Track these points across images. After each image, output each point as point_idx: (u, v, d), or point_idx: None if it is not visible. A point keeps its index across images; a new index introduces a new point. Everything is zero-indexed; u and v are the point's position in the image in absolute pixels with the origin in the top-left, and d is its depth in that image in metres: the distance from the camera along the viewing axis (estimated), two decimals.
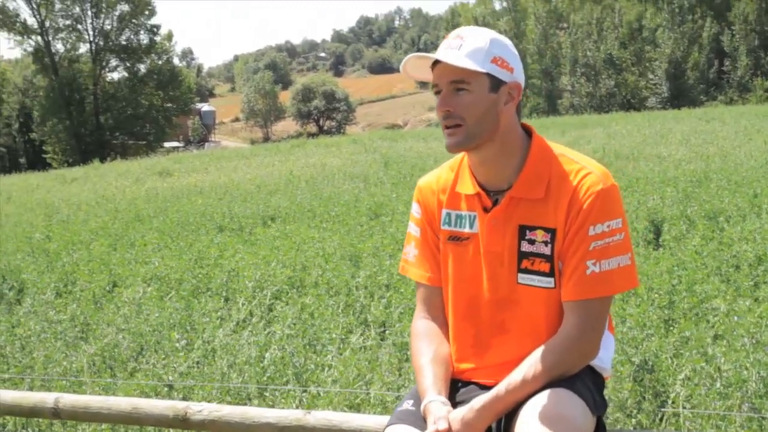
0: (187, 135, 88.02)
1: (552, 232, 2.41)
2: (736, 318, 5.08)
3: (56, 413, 3.17)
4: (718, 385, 4.31)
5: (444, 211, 2.62)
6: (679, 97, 58.39)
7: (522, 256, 2.45)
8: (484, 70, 2.36)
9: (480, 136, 2.40)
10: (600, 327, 2.38)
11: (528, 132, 2.54)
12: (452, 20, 75.24)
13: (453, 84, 2.39)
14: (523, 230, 2.44)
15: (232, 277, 8.06)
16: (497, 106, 2.41)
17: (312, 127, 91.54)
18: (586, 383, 2.38)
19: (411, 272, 2.70)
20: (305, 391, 4.97)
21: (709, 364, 4.51)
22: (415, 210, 2.71)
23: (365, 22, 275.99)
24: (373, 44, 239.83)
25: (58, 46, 65.46)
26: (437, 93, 2.44)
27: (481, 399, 2.32)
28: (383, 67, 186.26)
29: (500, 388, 2.33)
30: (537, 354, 2.36)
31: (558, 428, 2.15)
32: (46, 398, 3.22)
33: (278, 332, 6.00)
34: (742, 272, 6.79)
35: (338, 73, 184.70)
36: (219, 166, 26.35)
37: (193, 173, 24.75)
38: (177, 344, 5.83)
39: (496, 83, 2.39)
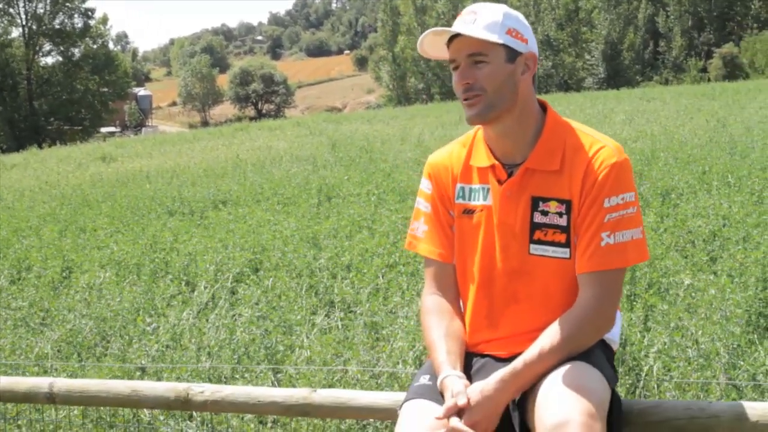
0: (124, 120, 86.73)
1: (567, 203, 2.44)
2: (713, 291, 5.19)
3: (51, 398, 3.11)
4: (691, 356, 4.41)
5: (458, 186, 2.64)
6: (616, 77, 59.09)
7: (534, 227, 2.48)
8: (500, 41, 2.41)
9: (499, 106, 2.44)
10: (616, 299, 2.42)
11: (543, 107, 2.58)
12: (390, 2, 74.83)
13: (471, 57, 2.43)
14: (536, 201, 2.48)
15: (191, 260, 8.01)
16: (515, 76, 2.45)
17: (250, 111, 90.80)
18: (598, 355, 2.41)
19: (420, 248, 2.70)
20: (279, 372, 4.98)
21: (685, 338, 4.60)
22: (426, 186, 2.71)
23: (302, 5, 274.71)
24: (310, 27, 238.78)
25: None
26: (455, 69, 2.47)
27: (500, 372, 2.33)
28: (321, 50, 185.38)
29: (518, 363, 2.34)
30: (553, 327, 2.38)
31: (580, 400, 2.16)
32: (41, 383, 3.16)
33: (244, 315, 5.99)
34: (698, 247, 6.93)
35: (276, 57, 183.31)
36: (162, 151, 26.07)
37: (137, 158, 24.45)
38: (148, 327, 5.79)
39: (512, 54, 2.45)
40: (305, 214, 10.28)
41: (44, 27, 65.11)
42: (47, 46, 66.87)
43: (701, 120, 18.42)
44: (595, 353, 2.40)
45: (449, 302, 2.64)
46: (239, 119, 64.03)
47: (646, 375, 4.46)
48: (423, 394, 2.46)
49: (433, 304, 2.64)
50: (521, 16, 2.51)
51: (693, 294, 5.44)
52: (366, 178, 12.62)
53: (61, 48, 66.42)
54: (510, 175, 2.52)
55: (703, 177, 9.94)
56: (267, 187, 13.09)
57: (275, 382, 4.91)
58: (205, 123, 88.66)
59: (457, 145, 2.71)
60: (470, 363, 2.55)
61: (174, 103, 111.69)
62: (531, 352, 2.34)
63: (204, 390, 2.89)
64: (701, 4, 62.78)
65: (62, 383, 3.13)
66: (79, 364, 5.39)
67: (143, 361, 5.25)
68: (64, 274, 8.24)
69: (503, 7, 2.48)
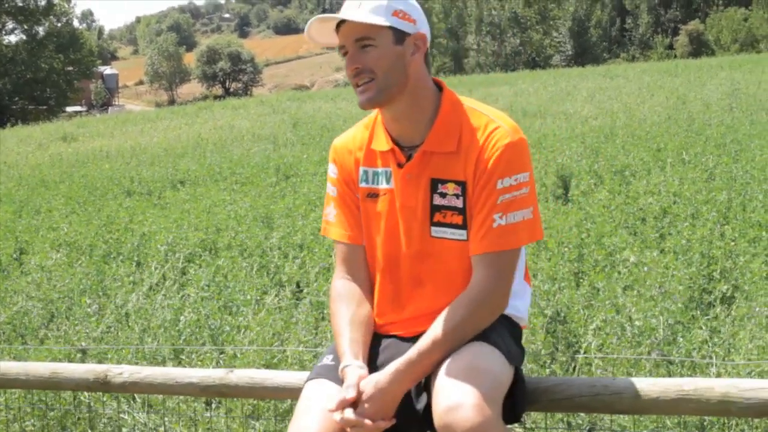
0: (90, 99, 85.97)
1: (462, 185, 2.43)
2: (646, 269, 5.22)
3: None
4: (628, 333, 4.44)
5: (361, 169, 2.62)
6: (583, 54, 59.23)
7: (434, 209, 2.47)
8: (387, 24, 2.39)
9: (390, 88, 2.43)
10: (509, 279, 2.42)
11: (439, 87, 2.57)
12: None
13: (359, 42, 2.42)
14: (435, 183, 2.47)
15: (144, 241, 7.97)
16: (404, 57, 2.43)
17: (218, 90, 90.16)
18: (501, 334, 2.41)
19: (331, 232, 2.69)
20: (222, 352, 4.96)
21: (620, 314, 4.63)
22: (332, 170, 2.70)
23: None
24: (278, 4, 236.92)
25: None
26: (345, 54, 2.47)
27: (395, 364, 2.31)
28: (289, 28, 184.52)
29: (412, 353, 2.31)
30: (447, 313, 2.36)
31: (475, 382, 2.16)
32: None
33: (192, 295, 5.96)
34: (648, 224, 6.98)
35: (243, 34, 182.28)
36: (124, 130, 25.92)
37: (98, 138, 24.29)
38: (89, 309, 5.76)
39: (400, 36, 2.42)
40: (262, 193, 10.26)
41: (6, 4, 64.18)
42: (10, 24, 65.94)
43: (662, 97, 18.53)
44: (497, 331, 2.40)
45: (359, 285, 2.62)
46: (206, 98, 63.66)
47: (585, 352, 4.49)
48: (325, 374, 2.46)
49: (342, 289, 2.62)
50: None
51: (637, 271, 5.48)
52: (324, 156, 12.60)
53: (25, 26, 65.49)
54: (409, 158, 2.51)
55: (658, 154, 10.02)
56: (226, 166, 13.08)
57: (219, 363, 4.90)
58: (172, 101, 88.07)
59: (360, 128, 2.70)
60: (378, 343, 2.54)
61: (141, 82, 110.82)
62: (425, 341, 2.33)
63: (123, 371, 2.89)
64: None
65: None
66: (23, 346, 5.35)
67: (84, 343, 5.22)
68: (14, 256, 8.17)
69: None
